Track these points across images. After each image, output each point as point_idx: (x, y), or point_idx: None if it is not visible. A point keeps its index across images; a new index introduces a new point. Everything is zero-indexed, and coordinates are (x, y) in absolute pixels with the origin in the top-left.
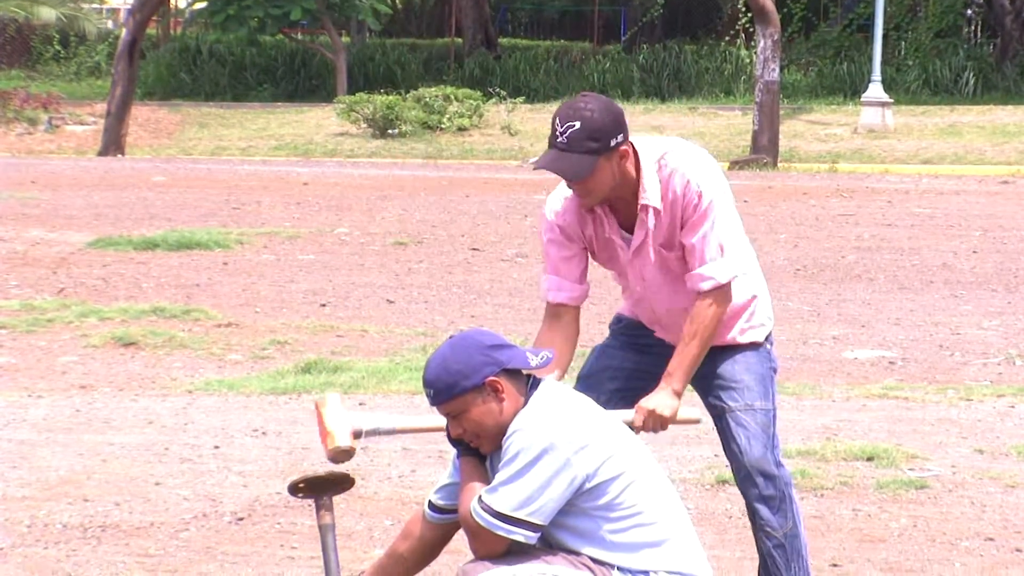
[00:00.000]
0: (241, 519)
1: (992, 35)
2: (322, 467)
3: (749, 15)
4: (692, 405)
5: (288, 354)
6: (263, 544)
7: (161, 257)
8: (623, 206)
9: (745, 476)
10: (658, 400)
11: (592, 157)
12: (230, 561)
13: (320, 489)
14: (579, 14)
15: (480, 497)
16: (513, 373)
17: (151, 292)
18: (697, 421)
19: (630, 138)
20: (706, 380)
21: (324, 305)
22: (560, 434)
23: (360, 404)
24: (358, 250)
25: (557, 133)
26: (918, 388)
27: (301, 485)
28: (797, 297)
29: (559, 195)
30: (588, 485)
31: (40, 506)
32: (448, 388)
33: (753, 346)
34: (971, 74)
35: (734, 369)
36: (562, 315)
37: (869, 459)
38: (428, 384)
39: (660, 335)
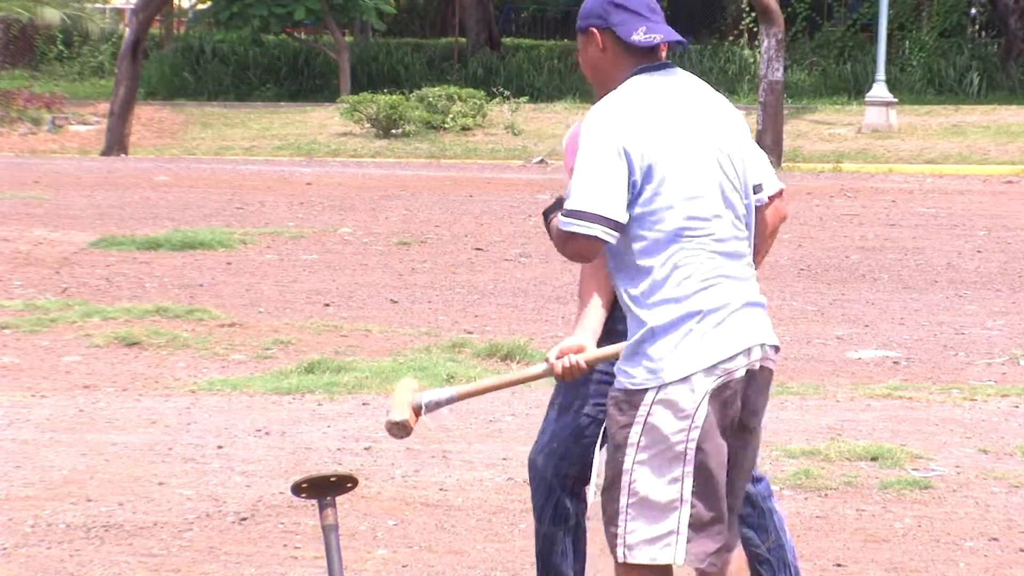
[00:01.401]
0: (244, 519)
1: (996, 34)
2: (325, 468)
3: (753, 14)
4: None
5: (291, 354)
6: (266, 544)
7: (164, 257)
8: None
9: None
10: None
11: None
12: (233, 561)
13: (323, 489)
14: None
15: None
16: (625, 44)
17: (154, 292)
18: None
19: None
20: None
21: (327, 305)
22: (612, 125)
23: (364, 404)
24: (361, 250)
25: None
26: (922, 388)
27: (305, 485)
28: (801, 297)
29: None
30: (640, 198)
31: (43, 506)
32: (577, 19)
33: None
34: (975, 73)
35: None
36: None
37: (873, 459)
38: None
39: None
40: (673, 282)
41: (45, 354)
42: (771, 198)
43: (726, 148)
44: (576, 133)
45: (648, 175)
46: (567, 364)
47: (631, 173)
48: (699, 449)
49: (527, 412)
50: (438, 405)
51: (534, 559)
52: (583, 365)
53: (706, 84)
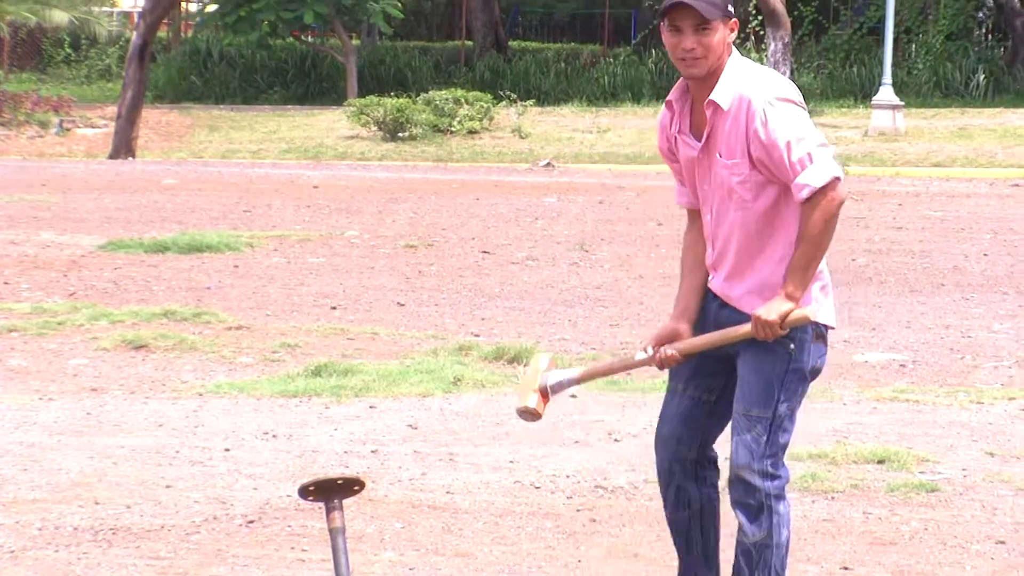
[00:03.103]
0: (251, 522)
1: (1003, 38)
2: (332, 470)
3: (760, 18)
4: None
5: (298, 357)
6: (273, 547)
7: (172, 260)
8: (699, 108)
9: (729, 478)
10: (768, 306)
11: (716, 10)
12: (240, 564)
13: (330, 492)
14: (589, 17)
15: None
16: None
17: (161, 295)
18: (806, 319)
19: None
20: (734, 372)
21: (334, 308)
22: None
23: (371, 407)
24: (368, 253)
25: None
26: (929, 391)
27: (311, 488)
28: None
29: (662, 116)
30: None
31: (51, 509)
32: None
33: (776, 339)
34: (982, 76)
35: (746, 367)
36: (696, 219)
37: (880, 462)
38: None
39: (711, 272)
40: None
41: (53, 357)
42: None
43: None
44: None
45: None
46: (663, 356)
47: None
48: None
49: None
50: (562, 387)
51: (541, 563)
52: (677, 357)
53: None
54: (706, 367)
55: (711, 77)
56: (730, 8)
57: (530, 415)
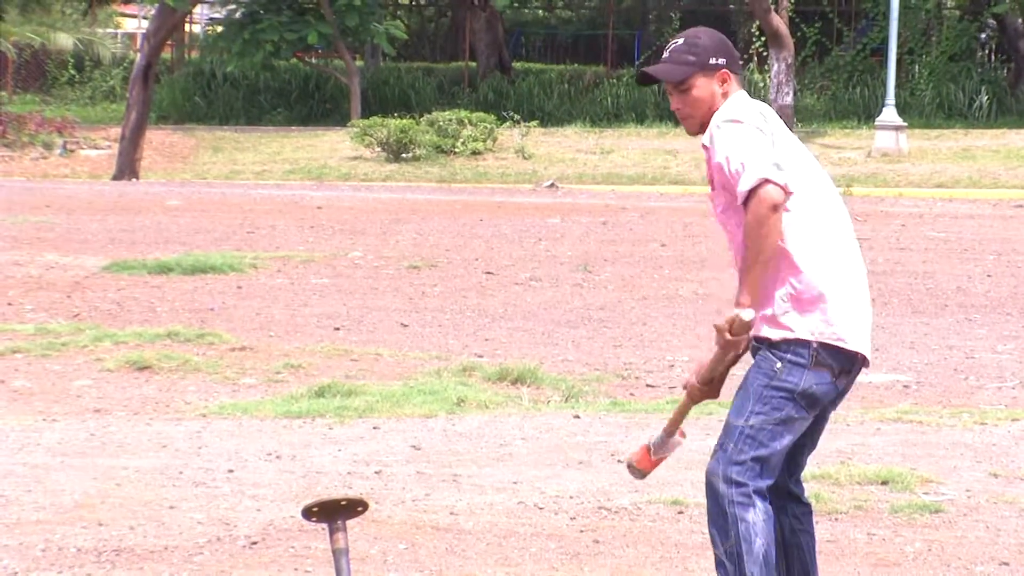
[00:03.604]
0: (255, 543)
1: (1006, 59)
2: (336, 491)
3: (763, 39)
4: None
5: (302, 378)
6: (277, 568)
7: (175, 281)
8: None
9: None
10: (728, 315)
11: (687, 68)
12: None
13: (334, 513)
14: (593, 38)
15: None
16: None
17: (165, 316)
18: (742, 321)
19: (738, 73)
20: None
21: (338, 329)
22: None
23: (374, 428)
24: (372, 274)
25: (664, 50)
26: (932, 412)
27: (315, 509)
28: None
29: None
30: None
31: (54, 530)
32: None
33: (771, 350)
34: (985, 97)
35: (743, 380)
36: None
37: (883, 483)
38: None
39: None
40: None
41: (56, 378)
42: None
43: None
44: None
45: None
46: (684, 384)
47: None
48: None
49: (537, 436)
50: (664, 446)
51: None
52: (695, 383)
53: None
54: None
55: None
56: (713, 61)
57: (633, 471)
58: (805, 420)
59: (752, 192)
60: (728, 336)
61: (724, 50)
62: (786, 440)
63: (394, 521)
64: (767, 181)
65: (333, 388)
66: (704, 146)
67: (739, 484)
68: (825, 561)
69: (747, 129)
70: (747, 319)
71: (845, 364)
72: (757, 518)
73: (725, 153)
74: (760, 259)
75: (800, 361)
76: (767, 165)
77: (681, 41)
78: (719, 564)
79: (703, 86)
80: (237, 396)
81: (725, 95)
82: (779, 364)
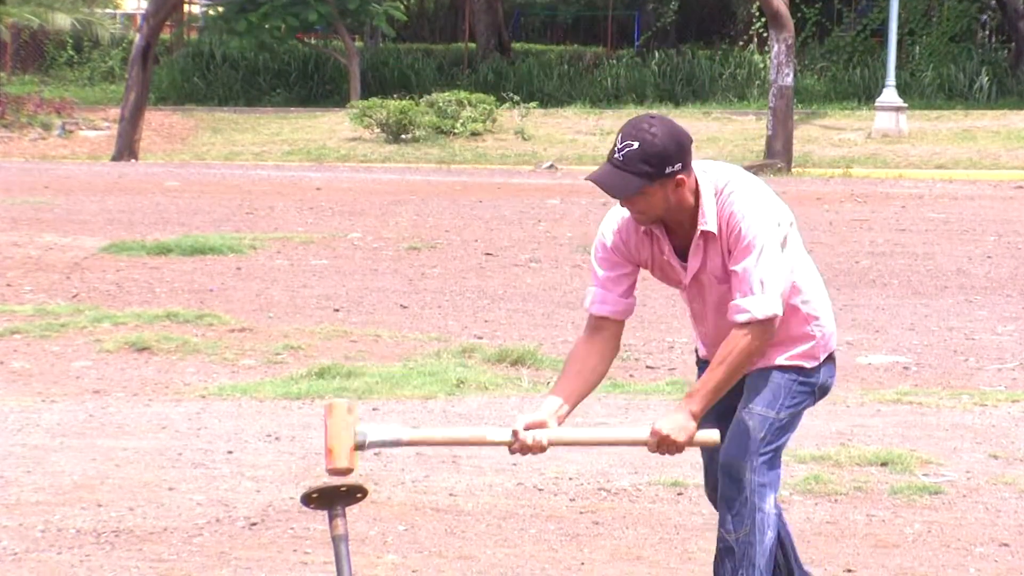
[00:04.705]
0: (254, 524)
1: (1007, 40)
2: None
3: (763, 20)
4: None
5: (301, 359)
6: (276, 549)
7: (174, 262)
8: (680, 230)
9: (719, 471)
10: (672, 423)
11: (641, 180)
12: (243, 566)
13: (333, 500)
14: (592, 19)
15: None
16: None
17: (164, 297)
18: (715, 443)
19: (692, 164)
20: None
21: (337, 310)
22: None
23: (374, 409)
24: (371, 255)
25: (615, 149)
26: (932, 393)
27: (314, 496)
28: None
29: (617, 214)
30: None
31: (54, 511)
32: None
33: (791, 367)
34: (985, 78)
35: (756, 376)
36: (604, 328)
37: (883, 464)
38: None
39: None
40: None
41: (55, 359)
42: None
43: None
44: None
45: None
46: (529, 442)
47: None
48: None
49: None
50: (383, 445)
51: (544, 565)
52: (544, 444)
53: None
54: (729, 417)
55: (682, 211)
56: (670, 168)
57: (342, 473)
58: None
59: (761, 322)
60: (680, 451)
61: (681, 152)
62: (794, 432)
63: (393, 502)
64: (777, 317)
65: (332, 370)
66: (712, 234)
67: (762, 473)
68: (825, 542)
69: (776, 239)
70: (716, 440)
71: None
72: (772, 509)
73: (752, 260)
74: (736, 376)
75: (820, 369)
76: (780, 300)
77: (636, 146)
78: (727, 550)
79: (658, 192)
80: (236, 377)
81: (687, 187)
82: (813, 370)
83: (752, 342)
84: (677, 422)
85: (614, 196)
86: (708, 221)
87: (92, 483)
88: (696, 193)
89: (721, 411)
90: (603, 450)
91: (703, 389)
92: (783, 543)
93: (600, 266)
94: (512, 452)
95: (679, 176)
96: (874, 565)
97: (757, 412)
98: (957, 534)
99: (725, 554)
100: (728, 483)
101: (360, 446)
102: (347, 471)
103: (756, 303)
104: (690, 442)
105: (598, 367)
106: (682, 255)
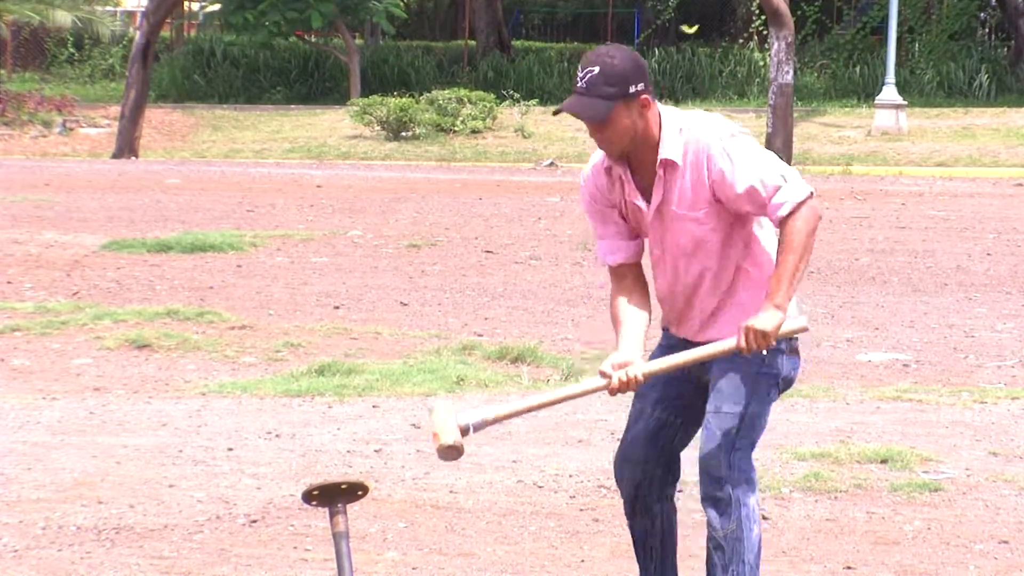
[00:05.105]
0: (255, 521)
1: (1006, 37)
2: (335, 470)
3: (763, 17)
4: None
5: (302, 356)
6: (277, 546)
7: (175, 259)
8: (643, 169)
9: (699, 474)
10: (761, 317)
11: (609, 102)
12: (244, 563)
13: (334, 497)
14: (592, 16)
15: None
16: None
17: (165, 294)
18: (804, 330)
19: (654, 94)
20: (700, 396)
21: (338, 307)
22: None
23: (374, 406)
24: (371, 252)
25: (578, 78)
26: (932, 391)
27: (315, 493)
28: (811, 299)
29: (590, 163)
30: None
31: (54, 508)
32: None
33: (751, 360)
34: (985, 76)
35: (719, 371)
36: (625, 275)
37: (883, 462)
38: None
39: (674, 330)
40: None
41: (56, 356)
42: None
43: None
44: None
45: None
46: (624, 378)
47: None
48: None
49: (536, 414)
50: (485, 424)
51: (544, 562)
52: (640, 379)
53: None
54: (673, 390)
55: (647, 143)
56: (633, 88)
57: (451, 451)
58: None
59: (803, 202)
60: (772, 341)
61: (640, 73)
62: (766, 424)
63: (394, 500)
64: (813, 194)
65: (333, 367)
66: (673, 163)
67: (741, 469)
68: (824, 539)
69: (755, 143)
70: (806, 326)
71: (799, 347)
72: (755, 503)
73: (757, 166)
74: (805, 265)
75: (781, 347)
76: (802, 179)
77: (596, 70)
78: (716, 548)
79: (625, 116)
80: (237, 375)
81: (650, 114)
82: (765, 352)
83: (807, 223)
84: (763, 316)
85: (586, 120)
86: (668, 150)
87: (93, 480)
88: (659, 124)
89: (689, 413)
90: (603, 448)
91: (781, 281)
92: (664, 542)
93: (593, 220)
94: (612, 393)
95: (643, 96)
96: (874, 562)
97: (725, 411)
98: (957, 531)
99: (715, 553)
100: (709, 482)
101: (464, 430)
102: (455, 447)
103: (786, 192)
104: (777, 332)
105: (642, 306)
106: (646, 195)
